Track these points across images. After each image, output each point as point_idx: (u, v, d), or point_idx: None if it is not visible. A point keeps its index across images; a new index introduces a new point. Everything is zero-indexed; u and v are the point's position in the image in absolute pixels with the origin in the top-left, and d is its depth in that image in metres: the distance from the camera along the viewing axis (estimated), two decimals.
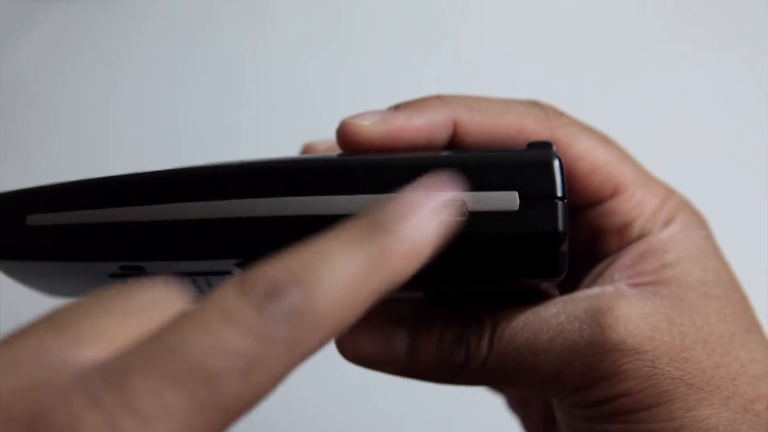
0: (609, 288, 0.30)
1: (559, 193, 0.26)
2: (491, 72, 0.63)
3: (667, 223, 0.31)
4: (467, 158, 0.27)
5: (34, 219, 0.28)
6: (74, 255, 0.28)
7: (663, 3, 0.65)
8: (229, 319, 0.19)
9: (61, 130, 0.63)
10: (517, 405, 0.38)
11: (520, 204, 0.26)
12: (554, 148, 0.28)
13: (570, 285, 0.32)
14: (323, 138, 0.34)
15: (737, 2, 0.64)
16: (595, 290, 0.30)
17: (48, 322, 0.20)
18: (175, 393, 0.18)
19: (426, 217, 0.22)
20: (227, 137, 0.64)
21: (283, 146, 0.37)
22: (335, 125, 0.33)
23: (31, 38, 0.65)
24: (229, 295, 0.20)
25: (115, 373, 0.19)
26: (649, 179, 0.32)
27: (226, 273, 0.29)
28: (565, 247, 0.27)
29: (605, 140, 0.32)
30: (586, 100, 0.32)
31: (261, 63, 0.64)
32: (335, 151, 0.31)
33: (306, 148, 0.35)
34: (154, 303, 0.21)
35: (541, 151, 0.28)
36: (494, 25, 0.65)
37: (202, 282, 0.31)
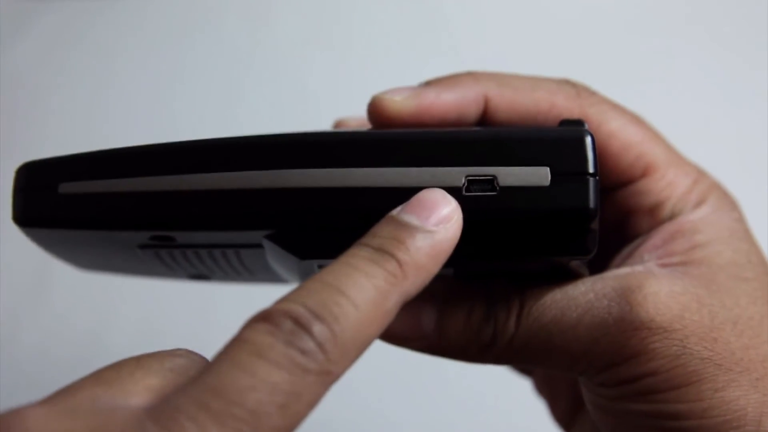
0: (639, 267, 0.30)
1: (591, 170, 0.26)
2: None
3: (699, 204, 0.31)
4: (499, 133, 0.27)
5: (67, 187, 0.28)
6: (106, 224, 0.28)
7: (664, 3, 0.64)
8: (262, 355, 0.21)
9: (61, 129, 0.63)
10: (544, 387, 0.38)
11: (552, 180, 0.26)
12: (587, 126, 0.28)
13: (599, 266, 0.31)
14: (354, 114, 0.34)
15: (738, 1, 0.63)
16: (625, 270, 0.30)
17: (95, 379, 0.22)
18: (220, 430, 0.20)
19: (428, 232, 0.24)
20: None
21: None
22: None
23: (31, 38, 0.66)
24: (257, 332, 0.21)
25: (164, 414, 0.20)
26: (680, 159, 0.32)
27: (256, 246, 0.29)
28: (595, 225, 0.27)
29: (637, 119, 0.31)
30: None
31: (261, 62, 0.64)
32: (366, 127, 0.31)
33: (337, 123, 0.35)
34: (189, 361, 0.23)
35: (574, 128, 0.28)
36: (494, 23, 0.65)
37: (232, 255, 0.31)
